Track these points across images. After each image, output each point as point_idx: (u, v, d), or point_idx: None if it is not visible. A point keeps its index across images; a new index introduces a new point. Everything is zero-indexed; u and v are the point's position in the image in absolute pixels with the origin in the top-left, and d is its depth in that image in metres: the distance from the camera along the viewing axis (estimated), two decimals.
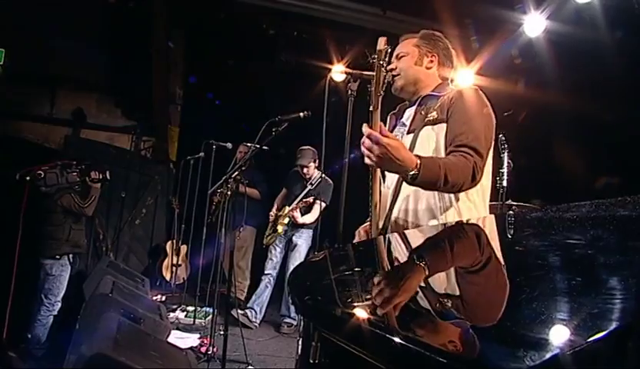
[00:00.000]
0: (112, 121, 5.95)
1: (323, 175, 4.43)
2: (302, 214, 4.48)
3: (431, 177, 1.52)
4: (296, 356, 0.90)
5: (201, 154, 4.67)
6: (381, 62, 1.51)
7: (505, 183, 3.72)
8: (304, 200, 4.45)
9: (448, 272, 1.07)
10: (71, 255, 3.64)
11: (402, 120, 1.96)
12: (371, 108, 1.54)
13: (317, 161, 4.55)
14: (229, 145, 4.54)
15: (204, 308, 4.46)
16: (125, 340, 2.29)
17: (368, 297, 0.83)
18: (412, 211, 1.76)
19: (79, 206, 3.57)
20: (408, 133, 1.82)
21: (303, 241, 4.50)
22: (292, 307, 4.34)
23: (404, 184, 1.73)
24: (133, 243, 5.64)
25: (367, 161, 1.51)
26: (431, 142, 1.73)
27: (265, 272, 4.53)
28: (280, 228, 4.45)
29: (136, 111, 5.90)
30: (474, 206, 1.74)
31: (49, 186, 3.47)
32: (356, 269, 1.12)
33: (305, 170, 4.51)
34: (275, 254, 4.53)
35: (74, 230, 3.63)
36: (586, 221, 1.44)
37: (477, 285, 0.93)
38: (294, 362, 3.68)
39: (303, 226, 4.49)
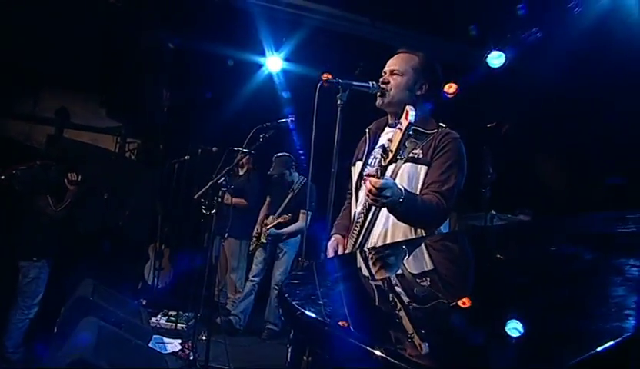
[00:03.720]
0: (97, 122, 5.87)
1: (305, 180, 4.43)
2: (288, 224, 4.45)
3: (410, 210, 1.73)
4: (285, 363, 0.90)
5: (187, 157, 4.64)
6: (403, 129, 1.59)
7: (488, 194, 3.78)
8: (283, 216, 4.40)
9: (439, 284, 1.09)
10: (49, 258, 3.55)
11: (382, 142, 2.01)
12: (383, 163, 1.66)
13: (294, 167, 4.52)
14: (215, 149, 4.52)
15: (186, 313, 4.38)
16: (106, 345, 2.25)
17: (363, 314, 0.84)
18: (390, 240, 1.86)
19: (53, 208, 3.49)
20: (380, 174, 1.86)
21: (289, 250, 4.48)
22: (276, 314, 4.32)
23: (382, 214, 1.88)
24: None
25: (371, 202, 1.72)
26: (411, 181, 1.85)
27: (250, 278, 4.51)
28: (264, 239, 4.43)
29: (122, 112, 5.82)
30: None
31: (24, 186, 3.39)
32: (348, 283, 1.13)
33: (281, 179, 4.48)
34: (260, 261, 4.51)
35: (52, 232, 3.55)
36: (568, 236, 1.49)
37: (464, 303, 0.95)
38: (274, 368, 3.68)
39: (289, 235, 4.47)
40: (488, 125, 4.43)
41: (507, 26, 4.23)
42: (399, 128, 1.58)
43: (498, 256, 1.45)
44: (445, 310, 0.90)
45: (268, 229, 4.40)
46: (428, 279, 1.15)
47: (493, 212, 3.79)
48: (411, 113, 1.56)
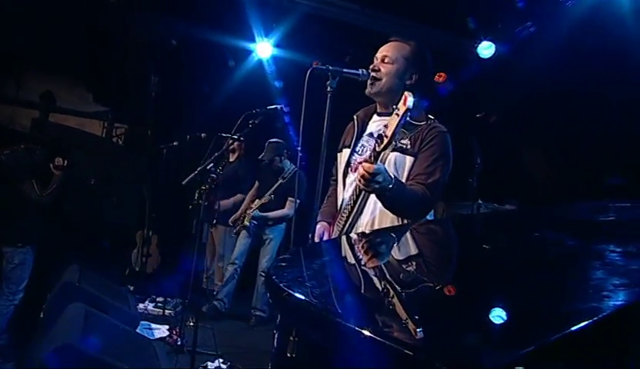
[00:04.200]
0: (84, 106, 5.77)
1: (296, 169, 4.40)
2: (274, 208, 4.44)
3: (398, 198, 1.73)
4: (272, 348, 0.92)
5: (175, 143, 4.60)
6: (401, 115, 1.58)
7: (475, 183, 3.82)
8: (266, 196, 4.36)
9: (429, 270, 1.11)
10: (34, 243, 3.51)
11: (370, 130, 2.01)
12: (378, 148, 1.65)
13: (285, 155, 4.50)
14: (204, 135, 4.49)
15: (174, 299, 4.39)
16: (93, 330, 2.24)
17: (349, 296, 0.85)
18: (377, 228, 1.87)
19: (38, 193, 3.44)
20: (374, 159, 1.86)
21: (275, 236, 4.46)
22: (263, 301, 4.33)
23: (370, 201, 1.88)
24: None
25: (363, 187, 1.71)
26: (397, 170, 1.85)
27: (232, 261, 4.49)
28: (247, 222, 4.40)
29: (109, 97, 5.72)
30: None
31: (8, 170, 3.33)
32: (335, 266, 1.14)
33: (271, 165, 4.45)
34: (243, 243, 4.48)
35: (37, 217, 3.51)
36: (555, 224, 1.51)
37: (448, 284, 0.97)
38: (264, 354, 3.69)
39: (274, 222, 4.45)
40: (477, 115, 4.45)
41: (497, 16, 4.23)
42: (396, 114, 1.57)
43: (482, 242, 1.47)
44: (429, 293, 0.91)
45: (252, 211, 4.37)
46: (414, 263, 1.17)
47: (480, 202, 3.83)
48: (409, 99, 1.54)
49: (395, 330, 0.68)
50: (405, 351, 0.58)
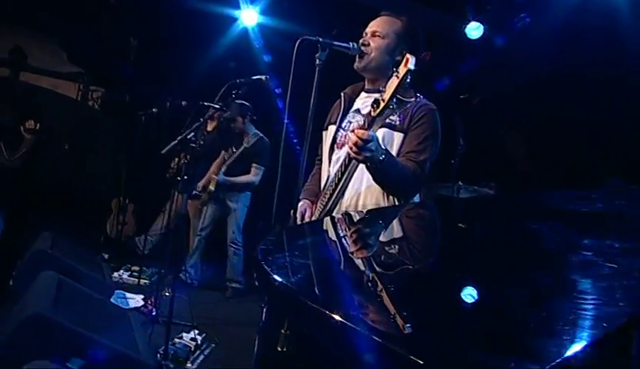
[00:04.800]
0: (57, 66, 5.49)
1: (260, 134, 4.35)
2: (239, 173, 4.34)
3: (390, 171, 1.69)
4: (260, 323, 0.89)
5: (154, 109, 4.47)
6: (401, 77, 1.52)
7: (457, 164, 3.84)
8: (232, 158, 4.27)
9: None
10: (3, 210, 3.38)
11: (357, 106, 1.98)
12: (373, 113, 1.60)
13: (249, 118, 4.39)
14: (184, 103, 4.36)
15: (150, 268, 4.35)
16: (65, 300, 2.19)
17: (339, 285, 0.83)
18: (361, 206, 1.84)
19: (7, 157, 3.29)
20: (367, 126, 1.85)
21: (239, 205, 4.38)
22: (237, 271, 4.33)
23: (356, 177, 1.84)
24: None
25: (354, 156, 1.64)
26: (385, 146, 1.78)
27: (197, 232, 4.46)
28: (212, 186, 4.27)
29: (85, 57, 5.46)
30: None
31: None
32: (325, 252, 1.11)
33: (233, 125, 4.32)
34: (209, 214, 4.42)
35: (6, 182, 3.37)
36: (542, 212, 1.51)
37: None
38: (240, 326, 3.72)
39: (239, 188, 4.36)
40: (461, 96, 4.44)
41: None
42: (396, 76, 1.52)
43: (469, 230, 1.46)
44: (408, 279, 0.90)
45: (217, 176, 4.26)
46: (397, 247, 1.15)
47: (460, 183, 3.86)
48: (411, 60, 1.47)
49: (385, 324, 0.66)
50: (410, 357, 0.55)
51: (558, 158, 3.93)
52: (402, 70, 1.50)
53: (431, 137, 1.84)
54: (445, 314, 0.71)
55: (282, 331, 0.75)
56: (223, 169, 4.29)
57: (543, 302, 0.77)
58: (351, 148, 1.62)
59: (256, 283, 0.84)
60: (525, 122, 4.41)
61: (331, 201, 1.89)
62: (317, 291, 0.78)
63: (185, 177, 3.36)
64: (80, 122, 5.28)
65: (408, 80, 1.51)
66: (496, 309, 0.74)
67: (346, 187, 1.87)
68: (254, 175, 4.34)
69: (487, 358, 0.57)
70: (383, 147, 1.67)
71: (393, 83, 1.53)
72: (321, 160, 2.08)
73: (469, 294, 0.80)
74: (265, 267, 0.79)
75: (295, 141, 2.22)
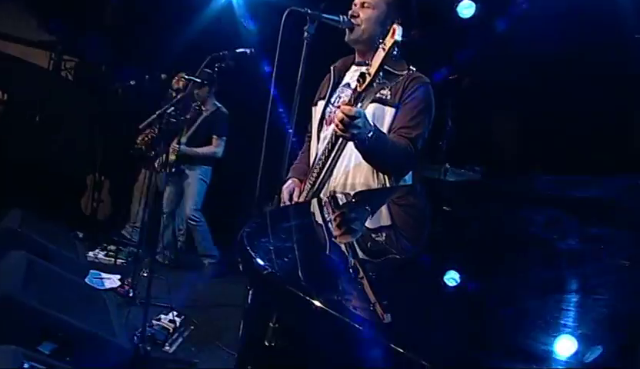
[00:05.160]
0: (27, 33, 5.21)
1: (219, 105, 4.29)
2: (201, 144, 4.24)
3: (379, 148, 1.64)
4: (244, 305, 0.85)
5: (132, 82, 4.31)
6: (387, 49, 1.45)
7: (445, 147, 3.82)
8: (193, 128, 4.15)
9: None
10: None
11: (347, 80, 1.93)
12: (359, 88, 1.54)
13: (214, 89, 4.28)
14: (164, 76, 4.22)
15: (127, 248, 4.28)
16: (35, 280, 2.10)
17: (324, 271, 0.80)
18: (350, 185, 1.80)
19: None
20: (354, 102, 1.80)
21: (196, 179, 4.27)
22: (205, 245, 4.27)
23: (344, 155, 1.79)
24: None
25: (340, 133, 1.58)
26: (376, 122, 1.74)
27: (163, 212, 4.33)
28: (173, 156, 4.03)
29: (57, 24, 5.20)
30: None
31: None
32: (311, 236, 1.07)
33: (197, 91, 4.10)
34: (171, 189, 4.31)
35: None
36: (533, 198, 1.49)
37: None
38: (218, 307, 3.68)
39: (201, 160, 4.25)
40: (450, 77, 4.39)
41: None
42: (382, 48, 1.45)
43: (456, 215, 1.43)
44: (396, 267, 0.87)
45: (178, 146, 4.10)
46: (384, 234, 1.12)
47: (447, 166, 3.84)
48: (398, 30, 1.41)
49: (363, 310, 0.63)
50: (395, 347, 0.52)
51: (550, 145, 3.94)
52: (389, 41, 1.44)
53: (424, 111, 1.79)
54: (429, 305, 0.70)
55: (270, 325, 0.71)
56: (184, 140, 4.17)
57: (531, 296, 0.74)
58: (337, 126, 1.57)
59: (240, 267, 0.79)
60: (517, 105, 4.40)
61: (318, 180, 1.84)
62: (301, 278, 0.74)
63: (154, 153, 3.25)
64: (52, 93, 5.05)
65: (395, 52, 1.45)
66: (484, 302, 0.72)
67: (334, 165, 1.82)
68: (215, 146, 4.27)
69: (468, 351, 0.55)
70: (372, 123, 1.62)
71: (379, 55, 1.47)
72: (310, 136, 2.02)
73: (455, 285, 0.78)
74: (250, 252, 0.75)
75: (284, 117, 2.16)
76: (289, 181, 1.98)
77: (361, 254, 0.93)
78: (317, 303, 0.58)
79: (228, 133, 4.30)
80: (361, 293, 0.72)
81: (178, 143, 4.11)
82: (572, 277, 0.83)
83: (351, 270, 0.81)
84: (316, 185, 1.84)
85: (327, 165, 1.81)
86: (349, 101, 1.57)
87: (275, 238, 0.93)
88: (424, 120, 1.79)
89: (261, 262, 0.71)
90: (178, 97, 2.95)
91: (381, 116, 1.78)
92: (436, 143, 3.79)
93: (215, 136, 4.26)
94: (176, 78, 4.21)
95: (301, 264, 0.80)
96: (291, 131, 2.19)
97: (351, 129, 1.54)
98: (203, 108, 4.27)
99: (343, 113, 1.53)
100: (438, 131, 3.76)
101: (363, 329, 0.55)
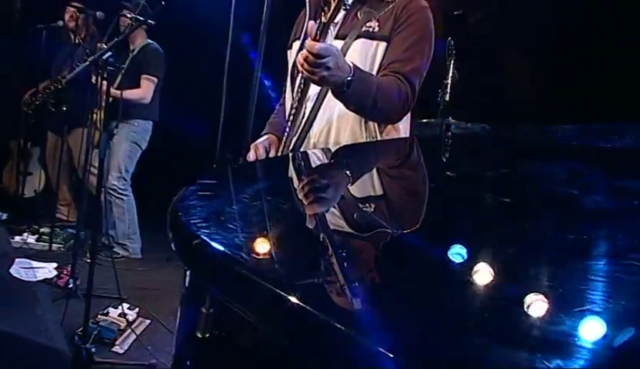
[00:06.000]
0: None
1: (152, 42, 4.22)
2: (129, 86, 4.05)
3: (361, 92, 1.59)
4: (182, 288, 0.84)
5: (59, 22, 4.25)
6: None
7: (447, 97, 3.77)
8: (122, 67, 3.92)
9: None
10: None
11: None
12: (324, 19, 1.53)
13: (144, 29, 4.11)
14: (100, 14, 4.12)
15: (64, 231, 4.30)
16: None
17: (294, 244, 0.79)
18: (334, 141, 1.78)
19: None
20: (337, 37, 1.77)
21: (124, 138, 4.13)
22: (127, 229, 4.24)
23: (324, 105, 1.76)
24: None
25: (307, 75, 1.53)
26: (364, 58, 1.72)
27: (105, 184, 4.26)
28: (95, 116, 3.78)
29: None
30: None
31: None
32: (276, 198, 1.06)
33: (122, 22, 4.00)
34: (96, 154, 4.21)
35: None
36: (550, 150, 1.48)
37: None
38: (176, 295, 3.65)
39: (126, 113, 3.97)
40: (455, 13, 4.32)
41: None
42: None
43: (460, 174, 1.41)
44: (386, 243, 0.84)
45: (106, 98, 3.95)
46: (373, 205, 1.10)
47: (450, 119, 3.81)
48: None
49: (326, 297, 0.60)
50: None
51: (574, 91, 3.92)
52: None
53: (422, 41, 1.74)
54: (419, 289, 0.66)
55: (203, 310, 0.69)
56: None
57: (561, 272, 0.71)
58: (302, 66, 1.49)
59: (172, 245, 0.77)
60: (533, 48, 4.36)
61: (294, 137, 1.81)
62: (246, 250, 0.73)
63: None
64: None
65: None
66: (491, 279, 0.68)
67: (314, 118, 1.78)
68: (144, 89, 4.12)
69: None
70: (350, 64, 1.55)
71: None
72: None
73: (458, 262, 0.74)
74: (181, 216, 0.74)
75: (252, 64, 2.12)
76: (264, 138, 1.95)
77: (331, 227, 0.90)
78: (262, 281, 0.56)
79: (162, 73, 4.17)
80: (326, 272, 0.69)
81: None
82: (598, 240, 0.81)
83: (317, 245, 0.79)
84: (292, 141, 1.81)
85: (301, 118, 1.78)
86: (315, 35, 1.50)
87: (220, 203, 0.90)
88: (421, 52, 1.74)
89: (192, 228, 0.69)
90: (116, 40, 2.83)
91: (370, 54, 1.73)
92: (435, 92, 3.74)
93: (144, 75, 4.12)
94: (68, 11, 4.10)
95: (248, 235, 0.78)
96: (258, 77, 2.13)
97: (321, 71, 1.47)
98: (131, 47, 4.17)
99: (307, 50, 1.45)
100: (438, 77, 3.71)
101: (318, 313, 0.53)
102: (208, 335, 0.70)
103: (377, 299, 0.62)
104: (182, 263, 0.82)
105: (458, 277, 0.69)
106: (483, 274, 0.67)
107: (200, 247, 0.70)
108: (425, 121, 4.04)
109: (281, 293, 0.57)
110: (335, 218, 0.95)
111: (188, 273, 0.83)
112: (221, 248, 0.70)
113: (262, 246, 0.74)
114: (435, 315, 0.58)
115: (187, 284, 0.83)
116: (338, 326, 0.52)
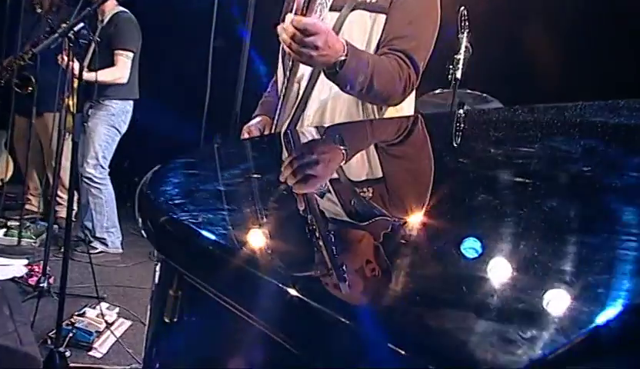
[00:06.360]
0: None
1: (124, 9, 4.09)
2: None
3: (356, 72, 1.55)
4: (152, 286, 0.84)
5: None
6: None
7: (459, 74, 3.72)
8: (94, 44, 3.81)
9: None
10: None
11: None
12: None
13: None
14: None
15: (35, 223, 4.29)
16: None
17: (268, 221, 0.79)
18: (329, 124, 1.78)
19: None
20: (332, 9, 1.75)
21: (99, 120, 4.03)
22: (110, 220, 4.22)
23: (318, 84, 1.75)
24: None
25: (294, 56, 1.50)
26: (362, 32, 1.70)
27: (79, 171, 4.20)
28: (67, 100, 3.69)
29: None
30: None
31: None
32: (254, 175, 1.05)
33: None
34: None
35: None
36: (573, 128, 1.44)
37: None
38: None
39: (101, 94, 3.94)
40: None
41: None
42: None
43: (474, 154, 1.38)
44: (388, 231, 0.81)
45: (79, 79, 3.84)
46: (371, 189, 1.08)
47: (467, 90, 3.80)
48: None
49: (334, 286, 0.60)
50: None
51: (600, 66, 3.88)
52: None
53: (425, 13, 1.72)
54: (418, 280, 0.66)
55: (171, 293, 0.69)
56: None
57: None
58: (289, 46, 1.44)
59: (142, 231, 0.75)
60: (556, 18, 4.30)
61: (288, 120, 1.81)
62: (218, 229, 0.74)
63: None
64: None
65: None
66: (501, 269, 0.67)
67: (307, 99, 1.78)
68: (119, 67, 4.01)
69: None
70: (344, 41, 1.51)
71: None
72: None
73: (467, 249, 0.73)
74: (149, 194, 0.74)
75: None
76: (257, 119, 1.95)
77: (319, 209, 0.89)
78: (234, 260, 0.56)
79: (138, 45, 4.09)
80: (298, 247, 0.71)
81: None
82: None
83: (304, 227, 0.78)
84: (283, 127, 1.82)
85: (293, 99, 1.78)
86: (301, 9, 1.47)
87: (196, 182, 0.91)
88: (425, 26, 1.72)
89: (160, 205, 0.69)
90: (88, 9, 2.75)
91: (368, 27, 1.70)
92: (445, 67, 3.69)
93: (119, 51, 4.00)
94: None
95: (218, 212, 0.78)
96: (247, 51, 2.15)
97: (308, 50, 1.42)
98: (99, 18, 4.06)
99: (293, 26, 1.40)
100: (448, 51, 3.65)
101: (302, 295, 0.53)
102: (175, 320, 0.70)
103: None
104: (151, 243, 0.80)
105: (470, 272, 0.67)
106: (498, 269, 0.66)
107: (167, 224, 0.70)
108: (432, 100, 4.01)
109: (250, 269, 0.57)
110: (313, 196, 0.94)
111: (157, 267, 0.82)
112: (190, 224, 0.70)
113: (234, 222, 0.76)
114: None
115: (159, 267, 0.82)
116: (306, 299, 0.53)
